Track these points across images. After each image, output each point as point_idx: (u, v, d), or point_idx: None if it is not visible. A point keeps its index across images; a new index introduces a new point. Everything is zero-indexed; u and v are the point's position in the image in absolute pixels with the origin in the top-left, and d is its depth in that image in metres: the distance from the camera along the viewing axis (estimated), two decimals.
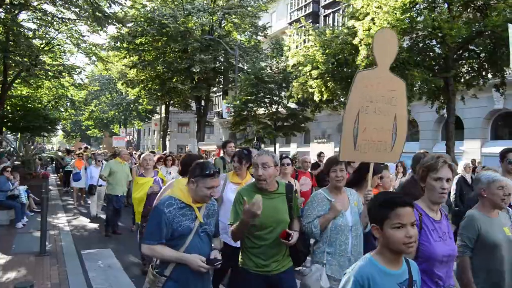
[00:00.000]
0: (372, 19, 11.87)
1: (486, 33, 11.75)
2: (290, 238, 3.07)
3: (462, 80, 13.64)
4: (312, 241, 3.63)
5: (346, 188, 3.70)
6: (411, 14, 11.76)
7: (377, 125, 3.71)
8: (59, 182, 20.81)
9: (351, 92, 3.64)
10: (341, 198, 3.54)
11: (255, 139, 22.87)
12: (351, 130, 3.60)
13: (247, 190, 3.35)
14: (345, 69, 13.76)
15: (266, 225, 3.22)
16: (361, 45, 12.05)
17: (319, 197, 3.54)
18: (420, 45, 13.17)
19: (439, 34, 11.66)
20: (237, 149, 6.23)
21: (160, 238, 2.83)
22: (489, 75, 13.71)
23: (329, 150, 25.76)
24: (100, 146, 43.41)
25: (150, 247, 2.86)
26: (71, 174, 14.09)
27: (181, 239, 2.88)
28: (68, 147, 35.80)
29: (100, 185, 11.21)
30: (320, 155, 11.13)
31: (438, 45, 12.55)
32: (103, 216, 10.79)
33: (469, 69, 13.58)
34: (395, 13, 11.26)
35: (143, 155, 6.93)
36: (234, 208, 3.29)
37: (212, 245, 3.18)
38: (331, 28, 16.72)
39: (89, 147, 29.31)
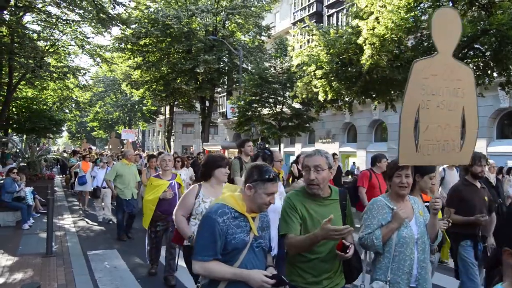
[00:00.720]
0: (377, 18, 11.83)
1: (491, 31, 11.67)
2: (347, 251, 2.66)
3: None
4: (363, 254, 3.27)
5: (410, 196, 3.26)
6: (416, 13, 11.72)
7: (442, 122, 3.23)
8: (64, 184, 20.86)
9: (408, 85, 3.13)
10: (403, 206, 3.11)
11: (260, 139, 22.86)
12: (410, 129, 3.12)
13: (297, 195, 2.96)
14: (349, 69, 13.72)
15: None
16: (365, 45, 12.01)
17: (379, 204, 3.12)
18: (425, 44, 13.11)
19: None
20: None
21: (215, 253, 2.44)
22: (495, 74, 13.63)
23: (334, 150, 25.74)
24: (106, 147, 43.41)
25: (204, 265, 2.44)
26: (77, 178, 13.61)
27: (234, 254, 2.52)
28: (73, 148, 35.93)
29: (105, 187, 10.90)
30: (333, 156, 11.07)
31: None
32: (114, 220, 10.58)
33: (475, 67, 13.49)
34: (400, 12, 11.21)
35: (162, 156, 6.42)
36: (285, 216, 2.88)
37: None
38: (335, 28, 16.68)
39: (94, 148, 29.29)
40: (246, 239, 2.53)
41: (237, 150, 24.41)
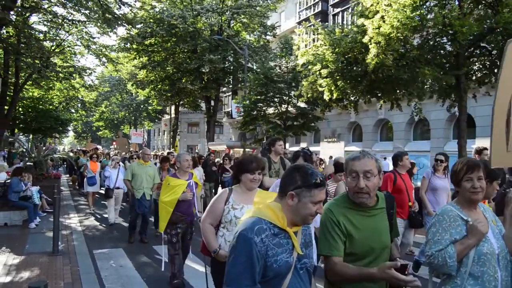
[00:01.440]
0: (382, 17, 11.78)
1: (498, 29, 11.61)
2: (406, 272, 2.18)
3: (474, 77, 13.51)
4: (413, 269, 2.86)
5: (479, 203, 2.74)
6: (422, 11, 11.66)
7: None
8: (70, 183, 20.94)
9: (502, 70, 2.53)
10: (477, 216, 2.61)
11: (265, 139, 22.85)
12: (502, 123, 2.55)
13: (338, 206, 2.52)
14: (355, 68, 13.67)
15: (367, 253, 2.43)
16: (371, 44, 11.96)
17: (451, 215, 2.58)
18: (431, 42, 13.06)
19: (450, 32, 11.54)
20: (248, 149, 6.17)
21: (254, 282, 1.96)
22: None
23: (339, 149, 25.71)
24: (111, 147, 43.57)
25: None
26: (86, 178, 13.27)
27: (276, 281, 2.06)
28: (79, 148, 36.07)
29: (118, 188, 10.75)
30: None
31: (449, 43, 12.42)
32: (124, 223, 10.45)
33: (481, 66, 13.43)
34: (405, 11, 11.16)
35: (181, 154, 6.09)
36: (327, 233, 2.44)
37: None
38: (340, 27, 16.65)
39: (100, 147, 29.37)
40: (289, 260, 2.08)
41: (241, 149, 24.39)
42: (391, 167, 6.83)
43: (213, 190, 13.00)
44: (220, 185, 13.53)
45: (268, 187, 4.73)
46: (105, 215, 11.46)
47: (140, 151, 11.54)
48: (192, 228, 5.94)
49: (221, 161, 13.97)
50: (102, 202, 12.43)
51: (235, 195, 3.58)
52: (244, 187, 3.58)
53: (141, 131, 46.72)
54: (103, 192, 14.66)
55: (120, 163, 12.24)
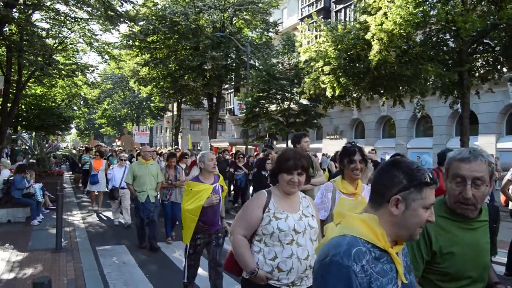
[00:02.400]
0: (385, 13, 11.75)
1: (501, 26, 11.58)
2: None
3: (477, 74, 13.48)
4: None
5: None
6: (424, 7, 11.62)
7: None
8: (72, 180, 20.94)
9: None
10: None
11: (267, 136, 22.86)
12: None
13: (437, 215, 1.82)
14: (357, 65, 13.65)
15: (465, 272, 2.00)
16: (373, 40, 11.94)
17: None
18: (434, 39, 13.03)
19: (453, 28, 11.52)
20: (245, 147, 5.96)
21: None
22: (504, 69, 13.52)
23: (341, 146, 25.68)
24: (114, 144, 43.58)
25: None
26: (89, 177, 12.57)
27: None
28: (81, 145, 36.12)
29: (123, 188, 9.77)
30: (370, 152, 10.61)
31: (452, 39, 12.40)
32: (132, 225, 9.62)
33: (484, 63, 13.41)
34: (408, 7, 11.13)
35: (205, 154, 4.98)
36: (417, 253, 1.98)
37: None
38: (343, 24, 16.61)
39: (102, 145, 29.33)
40: None
41: (244, 146, 24.24)
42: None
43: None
44: (232, 184, 13.50)
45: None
46: (108, 214, 11.45)
47: (141, 148, 10.74)
48: (219, 236, 4.99)
49: (234, 158, 13.73)
50: (107, 201, 11.50)
51: (276, 199, 2.80)
52: (282, 191, 2.84)
53: (144, 129, 46.34)
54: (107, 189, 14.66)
55: (127, 161, 11.27)
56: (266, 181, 11.66)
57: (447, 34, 12.62)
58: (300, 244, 2.64)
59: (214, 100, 29.98)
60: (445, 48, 13.10)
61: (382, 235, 1.51)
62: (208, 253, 4.94)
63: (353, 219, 1.56)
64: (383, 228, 1.53)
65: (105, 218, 11.22)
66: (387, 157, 16.90)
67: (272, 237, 2.66)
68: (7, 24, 16.99)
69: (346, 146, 3.68)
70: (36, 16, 24.18)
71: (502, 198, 6.71)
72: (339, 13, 27.82)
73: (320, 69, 14.46)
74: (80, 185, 17.68)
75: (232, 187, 13.79)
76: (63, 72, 21.41)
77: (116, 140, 48.92)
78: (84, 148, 20.74)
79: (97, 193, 12.61)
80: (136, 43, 27.02)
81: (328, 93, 14.46)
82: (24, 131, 33.11)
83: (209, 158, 4.89)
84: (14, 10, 16.45)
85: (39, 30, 18.83)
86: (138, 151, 16.08)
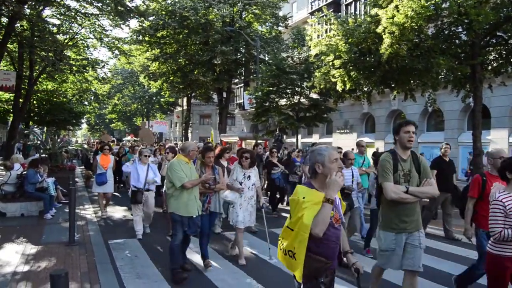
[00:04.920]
0: (396, 6, 11.63)
1: None
2: None
3: (490, 67, 13.31)
4: None
5: None
6: (436, 0, 11.49)
7: None
8: (84, 178, 20.57)
9: None
10: None
11: (277, 130, 22.83)
12: None
13: None
14: (368, 58, 13.54)
15: None
16: (384, 34, 11.82)
17: None
18: (446, 32, 12.87)
19: (466, 21, 11.37)
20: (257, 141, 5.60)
21: None
22: None
23: (351, 141, 25.57)
24: (125, 139, 43.68)
25: None
26: (95, 176, 10.82)
27: None
28: (93, 140, 36.33)
29: (148, 190, 8.49)
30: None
31: (465, 32, 12.24)
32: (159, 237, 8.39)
33: (497, 56, 13.22)
34: (420, 0, 11.01)
35: (322, 150, 3.09)
36: None
37: None
38: (353, 17, 16.48)
39: (115, 140, 29.41)
40: None
41: (253, 141, 23.76)
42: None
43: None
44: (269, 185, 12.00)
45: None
46: (113, 214, 11.17)
47: (178, 143, 9.19)
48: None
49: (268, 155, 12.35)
50: (117, 204, 10.65)
51: None
52: None
53: (153, 123, 46.03)
54: (117, 194, 14.23)
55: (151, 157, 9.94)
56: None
57: (460, 27, 12.46)
58: None
59: (224, 94, 29.99)
60: (457, 41, 12.95)
61: None
62: None
63: None
64: None
65: (117, 212, 11.30)
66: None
67: None
68: (18, 21, 17.12)
69: None
70: (47, 12, 24.37)
71: None
72: (349, 6, 27.61)
73: (330, 63, 14.37)
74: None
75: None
76: (74, 67, 21.59)
77: (128, 135, 49.15)
78: (100, 143, 18.23)
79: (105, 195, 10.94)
80: (146, 38, 27.07)
81: (339, 87, 14.37)
82: (35, 126, 33.41)
83: (331, 159, 3.07)
84: (26, 6, 16.58)
85: (50, 26, 18.97)
86: (159, 146, 15.55)
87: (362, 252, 7.34)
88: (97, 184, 10.56)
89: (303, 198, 2.95)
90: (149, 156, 9.02)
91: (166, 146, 11.63)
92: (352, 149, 12.57)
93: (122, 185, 15.43)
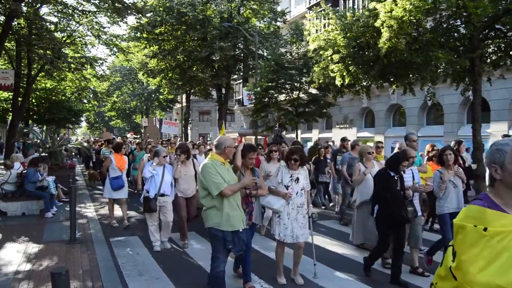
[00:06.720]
0: (394, 0, 11.62)
1: None
2: None
3: (489, 60, 13.29)
4: None
5: None
6: None
7: None
8: (87, 179, 18.14)
9: None
10: None
11: (277, 126, 22.82)
12: None
13: None
14: (367, 53, 13.52)
15: None
16: (383, 28, 11.80)
17: None
18: (444, 25, 12.85)
19: (464, 14, 11.35)
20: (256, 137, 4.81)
21: None
22: None
23: (351, 135, 25.58)
24: (128, 135, 43.53)
25: None
26: (110, 179, 9.07)
27: None
28: (92, 138, 36.29)
29: (163, 195, 7.23)
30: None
31: (463, 25, 12.22)
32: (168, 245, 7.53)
33: (496, 49, 13.20)
34: None
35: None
36: None
37: None
38: (351, 11, 16.44)
39: (115, 138, 29.39)
40: None
41: (253, 137, 23.87)
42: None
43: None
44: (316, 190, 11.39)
45: None
46: (115, 212, 9.92)
47: (212, 141, 7.57)
48: None
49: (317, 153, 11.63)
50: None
51: None
52: None
53: (171, 118, 43.02)
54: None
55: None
56: None
57: (458, 20, 12.44)
58: None
59: (223, 91, 29.95)
60: (456, 34, 12.93)
61: None
62: None
63: None
64: None
65: (118, 210, 11.28)
66: (397, 146, 16.75)
67: None
68: (15, 19, 17.06)
69: None
70: (44, 9, 24.25)
71: None
72: (347, 0, 27.52)
73: (329, 58, 14.35)
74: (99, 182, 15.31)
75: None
76: (72, 65, 21.50)
77: (128, 132, 49.10)
78: (104, 141, 17.00)
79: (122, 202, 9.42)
80: (144, 35, 26.97)
81: (338, 82, 14.35)
82: (35, 125, 33.35)
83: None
84: (23, 4, 16.52)
85: (47, 23, 18.89)
86: (169, 144, 14.75)
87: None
88: (112, 189, 9.01)
89: (484, 230, 1.70)
90: (166, 156, 7.79)
91: (177, 145, 10.55)
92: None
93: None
